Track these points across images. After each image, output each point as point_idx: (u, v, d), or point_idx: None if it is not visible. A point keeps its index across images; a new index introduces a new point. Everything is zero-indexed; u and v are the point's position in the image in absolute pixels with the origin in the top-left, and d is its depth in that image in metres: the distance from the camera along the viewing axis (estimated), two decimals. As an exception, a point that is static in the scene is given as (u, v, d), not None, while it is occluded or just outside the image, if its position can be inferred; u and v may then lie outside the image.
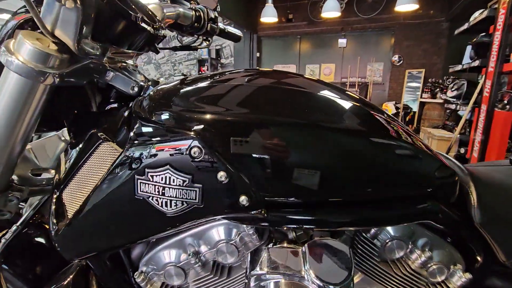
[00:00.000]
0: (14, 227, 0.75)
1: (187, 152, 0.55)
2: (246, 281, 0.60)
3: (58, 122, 0.80)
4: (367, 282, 0.83)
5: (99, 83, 0.75)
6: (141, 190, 0.57)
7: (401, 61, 7.82)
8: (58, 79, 0.57)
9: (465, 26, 4.25)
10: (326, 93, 0.63)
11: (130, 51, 0.70)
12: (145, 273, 0.71)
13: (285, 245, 0.68)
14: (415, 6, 5.21)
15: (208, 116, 0.56)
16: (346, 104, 0.62)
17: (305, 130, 0.57)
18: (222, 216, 0.59)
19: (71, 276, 0.73)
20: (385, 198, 0.65)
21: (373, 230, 0.73)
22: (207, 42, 1.16)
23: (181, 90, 0.63)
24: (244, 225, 0.65)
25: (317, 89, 0.64)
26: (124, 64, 0.75)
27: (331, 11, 6.34)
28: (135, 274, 0.71)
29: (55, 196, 0.68)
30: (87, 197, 0.62)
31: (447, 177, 0.69)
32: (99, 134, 0.67)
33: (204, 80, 0.67)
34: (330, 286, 0.54)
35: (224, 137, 0.55)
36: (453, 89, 4.76)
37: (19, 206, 0.84)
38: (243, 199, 0.56)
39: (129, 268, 0.73)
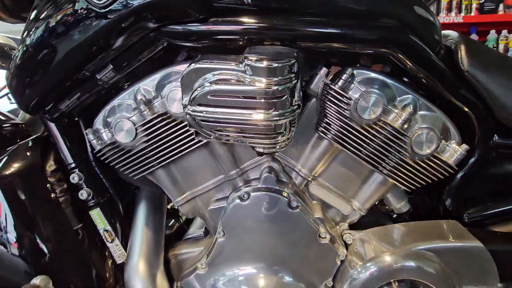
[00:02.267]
0: None
1: None
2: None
3: None
4: (342, 161, 0.73)
5: None
6: None
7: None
8: None
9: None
10: None
11: None
12: (97, 131, 0.70)
13: None
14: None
15: None
16: None
17: None
18: None
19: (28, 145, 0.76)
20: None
21: (341, 81, 0.65)
22: None
23: None
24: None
25: None
26: None
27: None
28: (87, 130, 0.70)
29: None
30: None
31: (428, 21, 0.65)
32: None
33: None
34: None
35: None
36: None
37: None
38: None
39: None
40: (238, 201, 0.69)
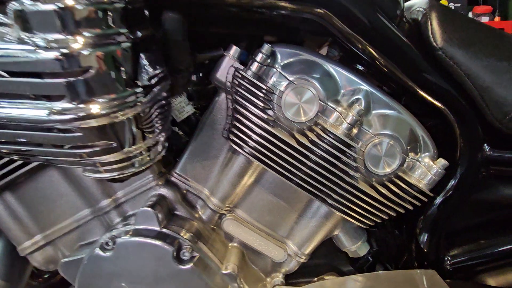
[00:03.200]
0: None
1: None
2: None
3: None
4: (267, 185, 0.50)
5: None
6: None
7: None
8: None
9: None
10: None
11: None
12: None
13: None
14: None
15: None
16: None
17: None
18: None
19: None
20: None
21: (255, 65, 0.44)
22: None
23: None
24: None
25: None
26: None
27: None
28: None
29: None
30: None
31: None
32: None
33: None
34: None
35: None
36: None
37: None
38: None
39: None
40: (98, 251, 0.44)
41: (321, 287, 0.52)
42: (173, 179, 0.51)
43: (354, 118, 0.43)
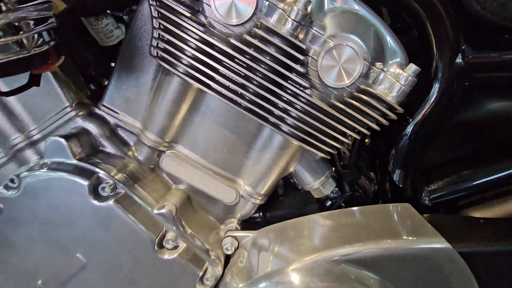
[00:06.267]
0: None
1: None
2: None
3: None
4: (211, 113, 0.43)
5: None
6: None
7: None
8: None
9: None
10: None
11: None
12: None
13: None
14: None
15: None
16: None
17: None
18: None
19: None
20: None
21: None
22: None
23: None
24: None
25: None
26: None
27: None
28: None
29: None
30: None
31: None
32: None
33: None
34: None
35: None
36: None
37: None
38: None
39: None
40: (1, 191, 0.37)
41: (296, 222, 0.45)
42: (99, 112, 0.43)
43: (301, 12, 0.34)
